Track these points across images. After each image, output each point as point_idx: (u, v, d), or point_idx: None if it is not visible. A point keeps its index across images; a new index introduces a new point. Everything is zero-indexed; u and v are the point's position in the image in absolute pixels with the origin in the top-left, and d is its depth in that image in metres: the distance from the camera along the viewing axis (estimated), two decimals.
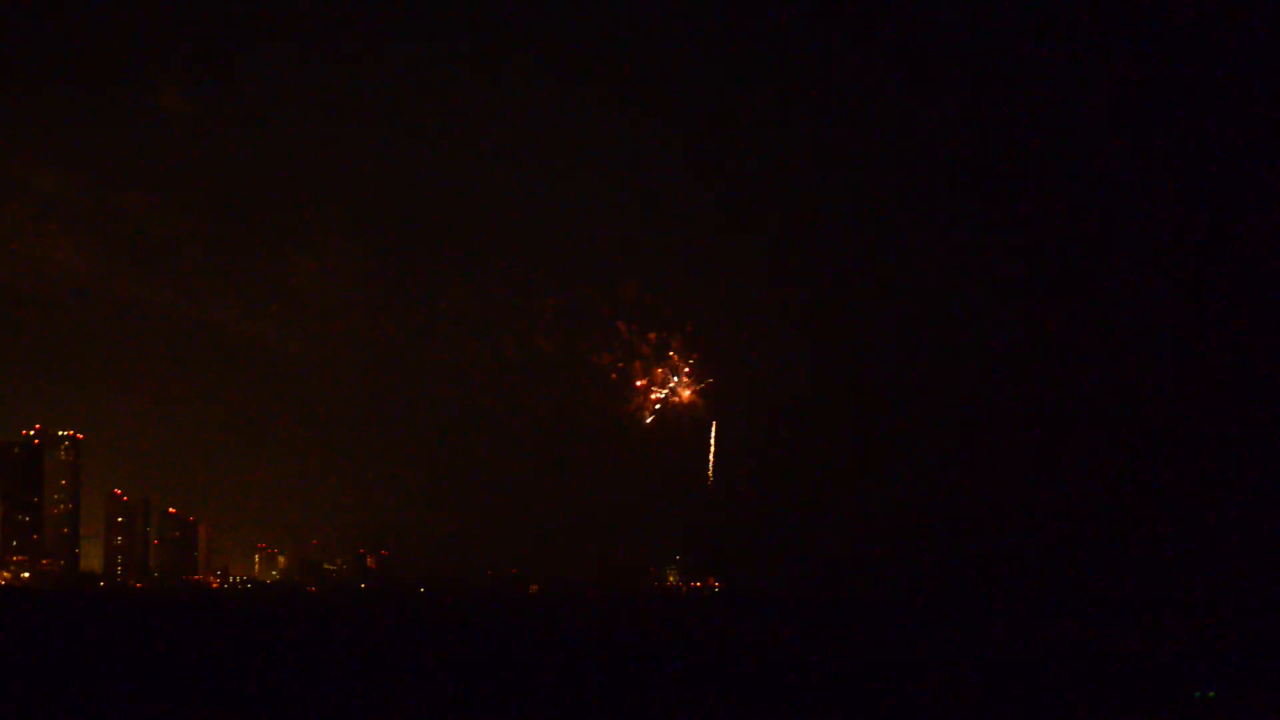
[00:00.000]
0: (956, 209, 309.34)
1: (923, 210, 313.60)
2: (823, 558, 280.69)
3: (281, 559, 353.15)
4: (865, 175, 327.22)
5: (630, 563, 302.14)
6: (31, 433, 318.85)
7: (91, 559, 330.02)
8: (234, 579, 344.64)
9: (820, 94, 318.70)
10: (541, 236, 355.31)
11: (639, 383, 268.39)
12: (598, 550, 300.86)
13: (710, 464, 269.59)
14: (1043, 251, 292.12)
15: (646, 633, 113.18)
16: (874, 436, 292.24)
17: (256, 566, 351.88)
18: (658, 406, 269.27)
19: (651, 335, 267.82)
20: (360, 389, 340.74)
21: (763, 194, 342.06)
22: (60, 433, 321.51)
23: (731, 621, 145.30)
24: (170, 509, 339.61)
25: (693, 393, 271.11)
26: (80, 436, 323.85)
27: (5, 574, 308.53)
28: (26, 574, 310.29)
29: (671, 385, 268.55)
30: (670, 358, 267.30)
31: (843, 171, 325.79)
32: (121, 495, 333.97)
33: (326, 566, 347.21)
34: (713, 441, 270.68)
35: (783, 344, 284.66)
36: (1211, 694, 51.48)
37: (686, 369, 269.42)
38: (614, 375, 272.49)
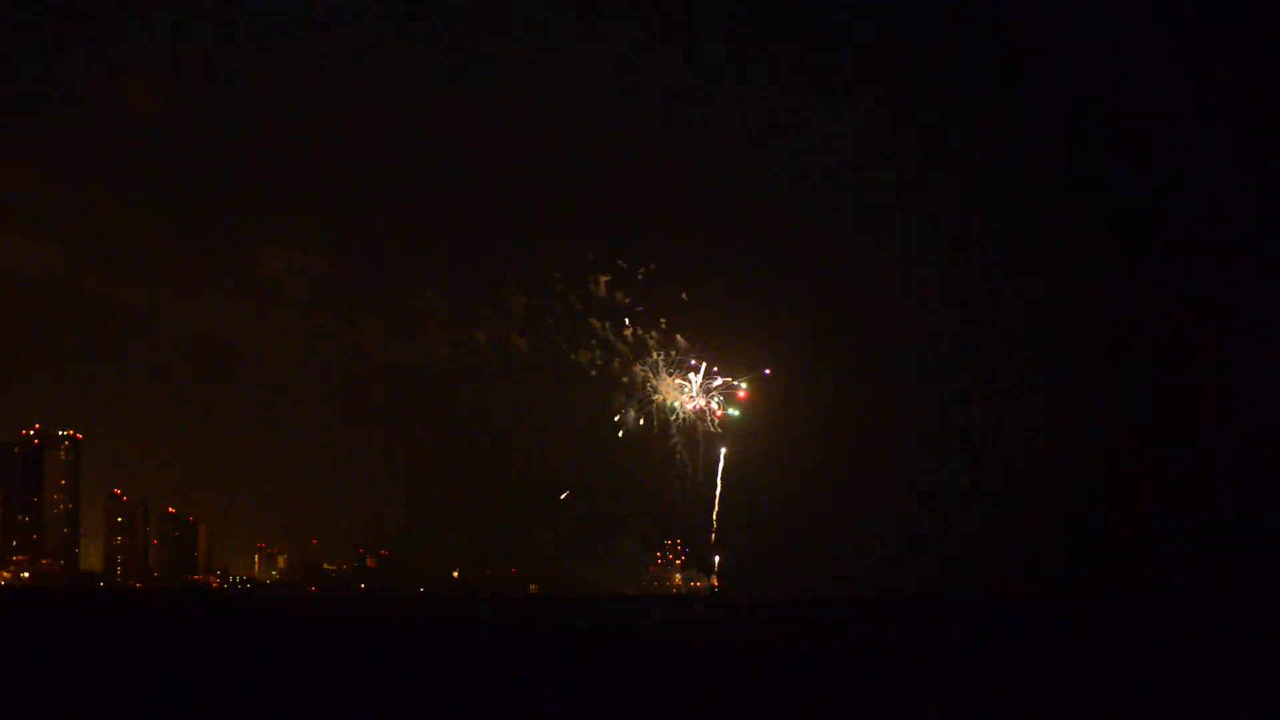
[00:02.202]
0: (961, 206, 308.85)
1: (920, 204, 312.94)
2: (824, 559, 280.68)
3: (281, 559, 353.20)
4: (858, 168, 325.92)
5: (635, 561, 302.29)
6: (31, 433, 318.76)
7: (91, 559, 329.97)
8: (234, 579, 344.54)
9: (804, 87, 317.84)
10: (513, 232, 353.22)
11: (623, 380, 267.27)
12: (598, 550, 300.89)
13: (719, 466, 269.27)
14: (1047, 255, 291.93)
15: (646, 633, 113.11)
16: (877, 436, 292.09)
17: (256, 566, 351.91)
18: (624, 412, 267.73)
19: (626, 331, 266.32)
20: (352, 389, 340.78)
21: (743, 184, 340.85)
22: (60, 433, 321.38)
23: (731, 621, 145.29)
24: (170, 509, 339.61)
25: (678, 393, 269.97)
26: (80, 436, 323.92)
27: (5, 574, 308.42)
28: (26, 574, 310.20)
29: (653, 384, 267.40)
30: (651, 356, 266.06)
31: (830, 162, 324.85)
32: (121, 495, 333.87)
33: (326, 566, 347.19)
34: (714, 452, 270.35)
35: (777, 343, 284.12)
36: None
37: (668, 369, 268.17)
38: (593, 373, 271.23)
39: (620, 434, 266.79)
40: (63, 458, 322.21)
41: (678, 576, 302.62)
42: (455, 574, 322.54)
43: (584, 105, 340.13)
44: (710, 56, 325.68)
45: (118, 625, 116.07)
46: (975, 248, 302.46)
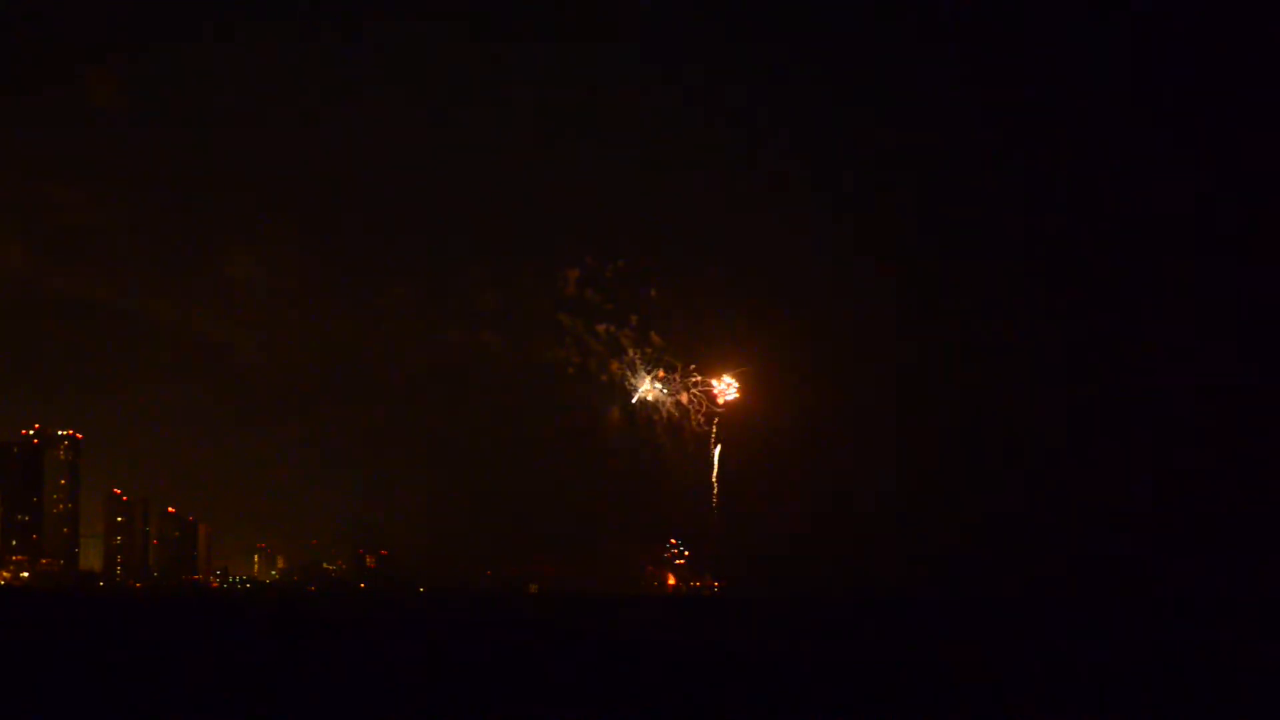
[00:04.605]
0: (960, 196, 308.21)
1: (912, 198, 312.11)
2: (823, 559, 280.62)
3: (281, 559, 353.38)
4: (843, 160, 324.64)
5: (628, 561, 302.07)
6: (31, 433, 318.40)
7: (91, 559, 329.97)
8: (234, 579, 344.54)
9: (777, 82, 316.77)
10: (481, 229, 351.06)
11: (603, 378, 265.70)
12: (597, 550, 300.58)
13: (715, 466, 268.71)
14: (1032, 239, 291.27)
15: (646, 633, 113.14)
16: (872, 435, 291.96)
17: (256, 566, 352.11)
18: (610, 411, 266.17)
19: (600, 328, 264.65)
20: (348, 390, 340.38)
21: (717, 182, 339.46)
22: (60, 433, 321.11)
23: (730, 621, 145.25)
24: (170, 509, 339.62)
25: (659, 393, 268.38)
26: (80, 436, 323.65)
27: (5, 574, 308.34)
28: (26, 574, 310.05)
29: (632, 383, 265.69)
30: (628, 354, 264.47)
31: (808, 160, 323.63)
32: (121, 495, 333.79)
33: (326, 566, 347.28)
34: (715, 449, 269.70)
35: (759, 342, 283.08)
36: None
37: (648, 365, 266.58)
38: (570, 370, 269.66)
39: (613, 438, 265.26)
40: (63, 458, 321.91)
41: (671, 577, 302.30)
42: (454, 575, 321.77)
43: (552, 103, 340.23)
44: (684, 56, 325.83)
45: (118, 625, 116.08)
46: (968, 245, 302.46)
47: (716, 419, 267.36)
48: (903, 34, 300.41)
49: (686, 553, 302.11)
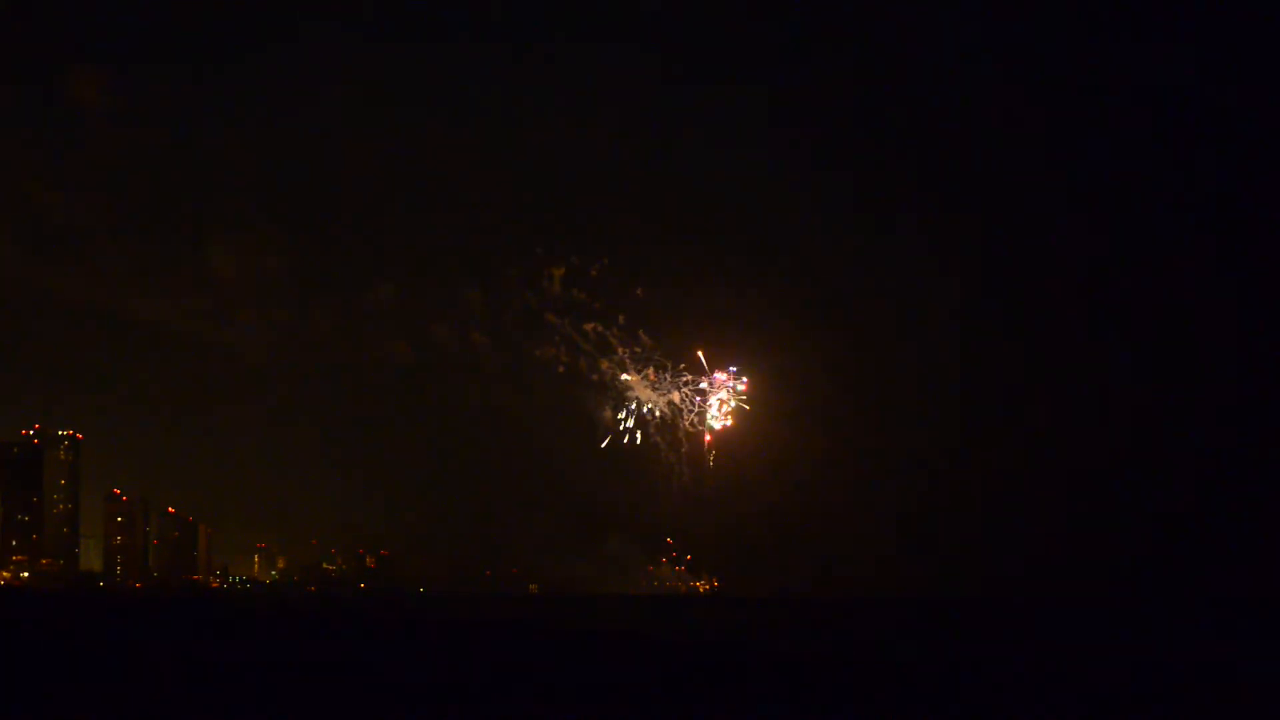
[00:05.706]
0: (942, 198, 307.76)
1: (901, 199, 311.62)
2: (822, 558, 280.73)
3: (281, 559, 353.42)
4: (831, 155, 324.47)
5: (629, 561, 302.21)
6: (31, 433, 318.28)
7: (91, 559, 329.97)
8: (234, 579, 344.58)
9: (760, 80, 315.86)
10: (464, 226, 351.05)
11: (593, 377, 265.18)
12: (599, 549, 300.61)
13: (710, 463, 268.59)
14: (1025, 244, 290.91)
15: (646, 632, 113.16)
16: (870, 433, 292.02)
17: (256, 566, 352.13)
18: (600, 411, 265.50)
19: (588, 327, 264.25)
20: (345, 390, 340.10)
21: (702, 181, 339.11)
22: (60, 433, 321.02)
23: (731, 621, 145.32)
24: (170, 509, 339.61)
25: (655, 392, 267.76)
26: (80, 436, 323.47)
27: (5, 574, 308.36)
28: (26, 574, 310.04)
29: (622, 381, 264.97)
30: (616, 353, 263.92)
31: (797, 155, 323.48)
32: (121, 495, 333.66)
33: (326, 566, 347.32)
34: (711, 454, 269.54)
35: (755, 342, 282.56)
36: None
37: (638, 365, 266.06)
38: (560, 369, 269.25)
39: (606, 438, 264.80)
40: (63, 458, 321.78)
41: (668, 577, 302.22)
42: (454, 575, 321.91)
43: (535, 102, 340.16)
44: (674, 54, 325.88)
45: (117, 625, 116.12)
46: (966, 245, 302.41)
47: (713, 420, 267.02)
48: (907, 26, 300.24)
49: (689, 556, 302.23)
